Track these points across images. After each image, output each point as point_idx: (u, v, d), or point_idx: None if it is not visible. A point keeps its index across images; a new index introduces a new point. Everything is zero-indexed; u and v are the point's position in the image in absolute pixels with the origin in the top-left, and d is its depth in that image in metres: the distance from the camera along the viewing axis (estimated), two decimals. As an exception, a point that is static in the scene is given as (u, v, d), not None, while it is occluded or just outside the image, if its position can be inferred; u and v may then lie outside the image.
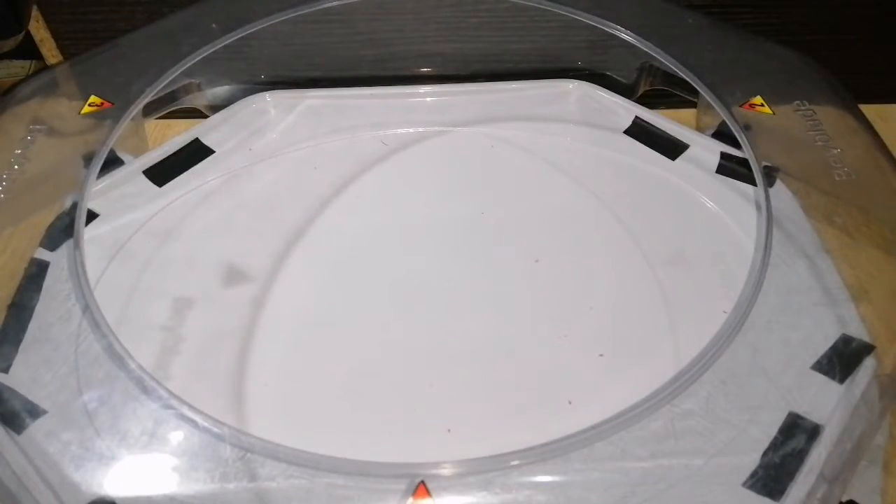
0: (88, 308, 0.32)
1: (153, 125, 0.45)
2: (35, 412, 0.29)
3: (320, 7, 0.43)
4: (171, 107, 0.45)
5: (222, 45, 0.41)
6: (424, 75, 0.49)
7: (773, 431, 0.29)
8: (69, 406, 0.29)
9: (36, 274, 0.35)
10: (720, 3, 0.47)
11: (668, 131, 0.44)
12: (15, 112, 0.39)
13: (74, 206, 0.36)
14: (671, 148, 0.43)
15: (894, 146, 0.37)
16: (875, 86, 0.51)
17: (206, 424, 0.28)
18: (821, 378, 0.30)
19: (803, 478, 0.27)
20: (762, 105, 0.39)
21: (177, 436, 0.28)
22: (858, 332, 0.32)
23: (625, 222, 0.39)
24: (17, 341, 0.32)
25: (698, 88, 0.40)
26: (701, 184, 0.41)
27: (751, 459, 0.28)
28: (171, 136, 0.44)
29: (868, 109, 0.39)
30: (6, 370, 0.31)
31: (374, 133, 0.44)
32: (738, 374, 0.30)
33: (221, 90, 0.47)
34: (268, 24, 0.42)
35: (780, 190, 0.38)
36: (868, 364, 0.30)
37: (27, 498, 0.27)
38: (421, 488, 0.26)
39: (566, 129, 0.45)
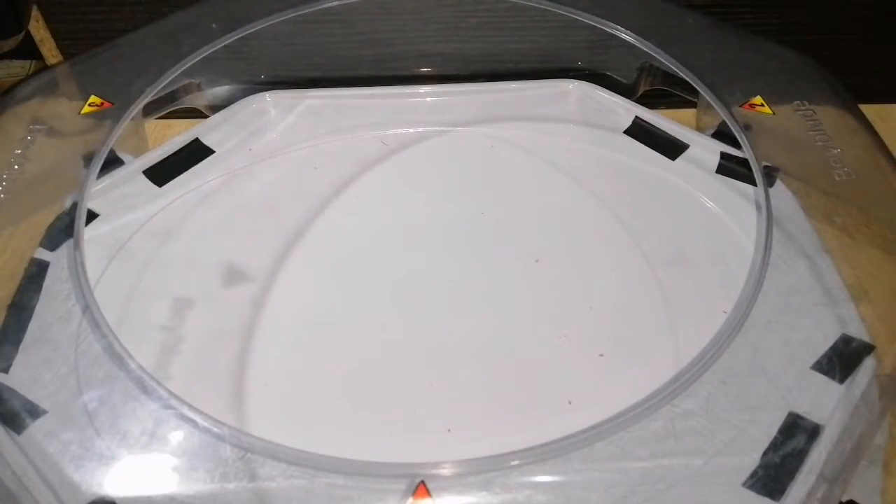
0: (88, 308, 0.32)
1: (153, 125, 0.45)
2: (35, 412, 0.29)
3: (320, 7, 0.43)
4: (171, 107, 0.45)
5: (222, 45, 0.41)
6: (424, 75, 0.49)
7: (773, 431, 0.29)
8: (69, 406, 0.29)
9: (36, 274, 0.35)
10: (720, 3, 0.47)
11: (668, 131, 0.44)
12: (15, 112, 0.39)
13: (74, 206, 0.36)
14: (671, 148, 0.43)
15: (894, 146, 0.37)
16: (875, 86, 0.51)
17: (206, 424, 0.28)
18: (821, 378, 0.30)
19: (803, 478, 0.27)
20: (762, 105, 0.39)
21: (177, 436, 0.28)
22: (858, 332, 0.32)
23: (625, 222, 0.39)
24: (17, 341, 0.32)
25: (698, 88, 0.40)
26: (701, 184, 0.41)
27: (751, 459, 0.28)
28: (171, 136, 0.44)
29: (868, 109, 0.39)
30: (6, 370, 0.31)
31: (374, 133, 0.44)
32: (738, 374, 0.30)
33: (221, 90, 0.47)
34: (268, 24, 0.42)
35: (780, 190, 0.38)
36: (868, 364, 0.30)
37: (27, 498, 0.27)
38: (421, 488, 0.26)
39: (566, 129, 0.45)
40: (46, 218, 0.37)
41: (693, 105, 0.46)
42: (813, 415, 0.29)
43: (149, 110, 0.43)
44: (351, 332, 0.35)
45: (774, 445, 0.28)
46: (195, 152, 0.43)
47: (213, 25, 0.42)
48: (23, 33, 0.44)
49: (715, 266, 0.36)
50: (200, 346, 0.34)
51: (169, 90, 0.42)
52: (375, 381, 0.33)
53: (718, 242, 0.38)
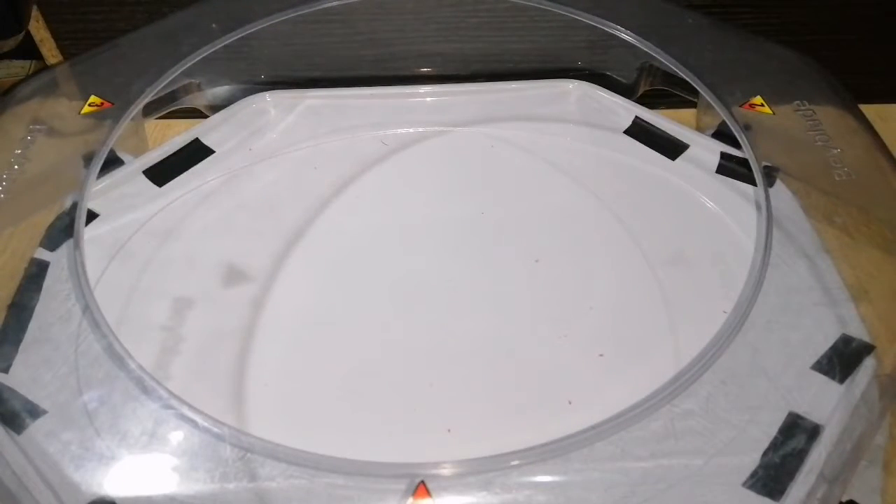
0: (88, 308, 0.32)
1: (153, 125, 0.45)
2: (35, 412, 0.29)
3: (320, 7, 0.43)
4: (171, 107, 0.45)
5: (222, 45, 0.41)
6: (424, 75, 0.49)
7: (773, 431, 0.29)
8: (69, 406, 0.29)
9: (36, 274, 0.35)
10: (720, 3, 0.47)
11: (668, 131, 0.44)
12: (15, 112, 0.39)
13: (74, 206, 0.36)
14: (671, 148, 0.43)
15: (894, 146, 0.37)
16: (875, 86, 0.51)
17: (206, 424, 0.28)
18: (821, 378, 0.30)
19: (803, 478, 0.27)
20: (762, 105, 0.39)
21: (177, 436, 0.28)
22: (858, 332, 0.32)
23: (625, 222, 0.39)
24: (17, 341, 0.32)
25: (698, 88, 0.40)
26: (701, 184, 0.41)
27: (751, 459, 0.28)
28: (171, 136, 0.44)
29: (868, 109, 0.39)
30: (6, 370, 0.31)
31: (374, 133, 0.44)
32: (738, 374, 0.30)
33: (221, 90, 0.47)
34: (268, 24, 0.42)
35: (780, 190, 0.38)
36: (868, 364, 0.30)
37: (27, 498, 0.27)
38: (421, 488, 0.26)
39: (566, 129, 0.45)
40: (46, 218, 0.37)
41: (693, 105, 0.46)
42: (813, 415, 0.29)
43: (149, 110, 0.43)
44: (351, 332, 0.35)
45: (774, 445, 0.28)
46: (195, 152, 0.43)
47: (213, 25, 0.42)
48: (23, 33, 0.44)
49: (715, 266, 0.36)
50: (200, 346, 0.34)
51: (169, 90, 0.42)
52: (375, 381, 0.33)
53: (718, 242, 0.38)
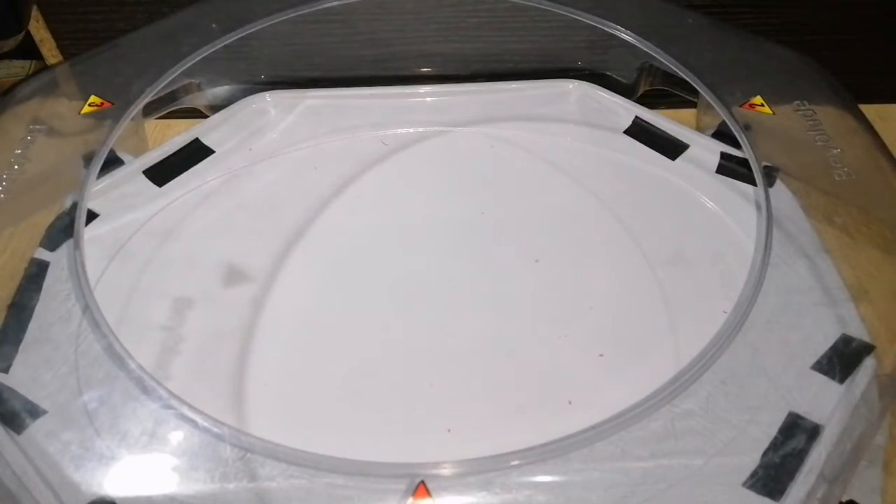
0: (88, 308, 0.32)
1: (153, 125, 0.45)
2: (35, 412, 0.29)
3: (320, 7, 0.43)
4: (171, 107, 0.45)
5: (222, 45, 0.41)
6: (424, 75, 0.49)
7: (773, 431, 0.29)
8: (69, 406, 0.29)
9: (36, 274, 0.35)
10: (720, 3, 0.47)
11: (668, 131, 0.44)
12: (15, 112, 0.39)
13: (74, 206, 0.36)
14: (671, 148, 0.43)
15: (894, 146, 0.37)
16: (875, 86, 0.51)
17: (206, 424, 0.28)
18: (821, 378, 0.30)
19: (803, 478, 0.27)
20: (762, 105, 0.39)
21: (177, 436, 0.28)
22: (858, 332, 0.32)
23: (625, 222, 0.39)
24: (17, 341, 0.32)
25: (698, 88, 0.40)
26: (701, 184, 0.41)
27: (751, 459, 0.28)
28: (171, 136, 0.44)
29: (868, 109, 0.39)
30: (6, 370, 0.31)
31: (374, 133, 0.44)
32: (738, 374, 0.30)
33: (221, 90, 0.47)
34: (268, 24, 0.42)
35: (780, 190, 0.38)
36: (868, 364, 0.30)
37: (27, 498, 0.27)
38: (421, 488, 0.26)
39: (566, 129, 0.45)
40: (46, 218, 0.37)
41: (693, 105, 0.46)
42: (813, 415, 0.29)
43: (149, 110, 0.43)
44: (351, 332, 0.35)
45: (774, 445, 0.28)
46: (195, 152, 0.43)
47: (213, 25, 0.42)
48: (23, 33, 0.44)
49: (715, 266, 0.36)
50: (200, 346, 0.34)
51: (169, 90, 0.42)
52: (375, 381, 0.33)
53: (718, 242, 0.38)
